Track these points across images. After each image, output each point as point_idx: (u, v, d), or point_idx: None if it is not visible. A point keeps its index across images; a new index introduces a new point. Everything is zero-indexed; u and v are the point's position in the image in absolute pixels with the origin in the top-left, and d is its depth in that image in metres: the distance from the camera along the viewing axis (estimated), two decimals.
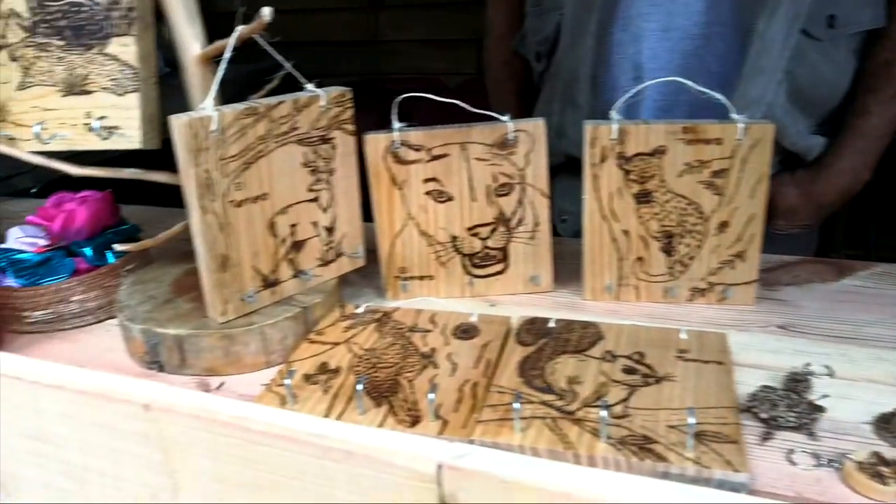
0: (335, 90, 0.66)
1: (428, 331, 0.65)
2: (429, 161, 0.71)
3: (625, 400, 0.54)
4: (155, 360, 0.64)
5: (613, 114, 0.68)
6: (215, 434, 0.40)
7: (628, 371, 0.58)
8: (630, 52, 0.84)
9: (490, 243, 0.74)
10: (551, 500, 0.32)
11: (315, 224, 0.68)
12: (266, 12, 0.55)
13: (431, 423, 0.52)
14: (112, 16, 0.60)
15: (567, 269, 0.77)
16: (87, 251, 0.74)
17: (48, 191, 1.38)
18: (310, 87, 0.65)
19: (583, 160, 0.69)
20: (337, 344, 0.63)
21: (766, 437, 0.53)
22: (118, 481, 0.46)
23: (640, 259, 0.72)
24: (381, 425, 0.52)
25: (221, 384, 0.62)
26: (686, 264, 0.72)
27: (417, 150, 0.70)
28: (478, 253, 0.74)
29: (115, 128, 0.61)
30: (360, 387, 0.53)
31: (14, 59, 0.63)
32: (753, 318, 0.70)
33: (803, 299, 0.73)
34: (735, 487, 0.46)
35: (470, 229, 0.73)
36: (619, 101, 0.68)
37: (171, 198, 0.83)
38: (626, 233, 0.72)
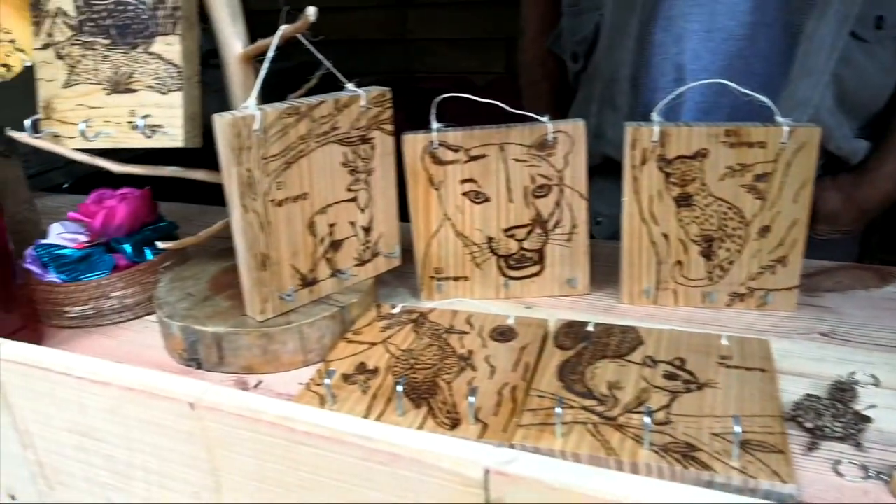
0: (375, 90, 0.66)
1: (465, 332, 0.65)
2: (466, 161, 0.71)
3: (667, 406, 0.53)
4: (193, 357, 0.64)
5: (654, 115, 0.67)
6: (259, 434, 0.40)
7: (669, 377, 0.57)
8: (672, 53, 0.83)
9: (526, 245, 0.73)
10: None
11: (353, 224, 0.68)
12: (311, 12, 0.55)
13: (471, 426, 0.52)
14: (157, 15, 0.60)
15: (602, 271, 0.76)
16: (127, 248, 0.75)
17: (80, 186, 1.40)
18: (350, 86, 0.65)
19: (623, 162, 0.69)
20: (374, 344, 0.63)
21: (811, 448, 0.52)
22: (161, 478, 0.46)
23: (678, 263, 0.71)
24: (420, 427, 0.52)
25: (259, 382, 0.63)
26: (726, 269, 0.71)
27: (455, 150, 0.70)
28: (514, 254, 0.74)
29: (159, 126, 0.62)
30: (399, 388, 0.53)
31: (60, 58, 0.64)
32: (794, 324, 0.69)
33: (846, 306, 0.72)
34: (782, 498, 0.45)
35: (506, 230, 0.73)
36: (661, 103, 0.67)
37: (202, 195, 0.84)
38: (665, 236, 0.71)
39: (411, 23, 2.72)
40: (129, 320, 0.74)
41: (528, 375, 0.58)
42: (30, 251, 0.74)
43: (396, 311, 0.69)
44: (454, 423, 0.52)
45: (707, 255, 0.71)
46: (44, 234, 0.79)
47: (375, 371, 0.59)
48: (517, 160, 0.70)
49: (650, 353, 0.60)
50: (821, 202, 0.86)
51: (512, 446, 0.50)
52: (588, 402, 0.54)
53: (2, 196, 0.70)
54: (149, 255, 0.76)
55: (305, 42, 0.60)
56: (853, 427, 0.52)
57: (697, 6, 0.81)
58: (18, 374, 0.48)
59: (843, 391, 0.57)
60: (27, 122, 0.65)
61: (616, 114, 0.87)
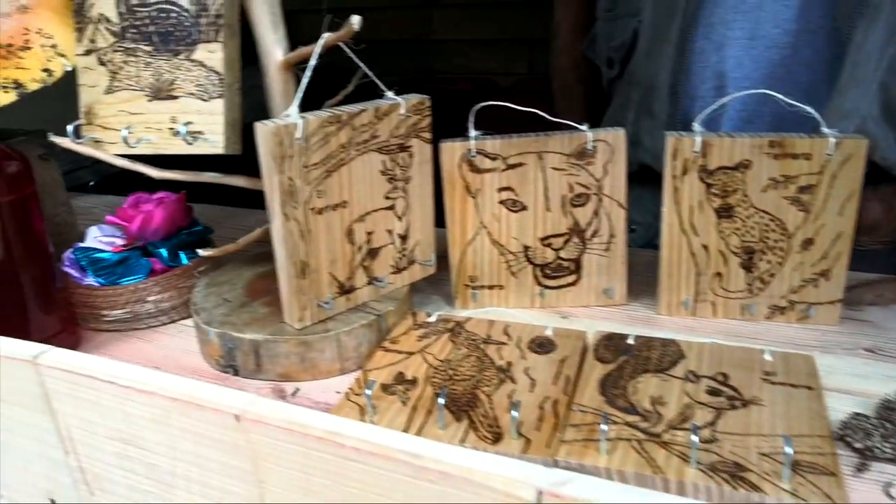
0: (414, 98, 0.66)
1: (503, 343, 0.64)
2: (504, 170, 0.70)
3: (712, 423, 0.52)
4: (230, 363, 0.64)
5: (696, 126, 0.66)
6: (307, 448, 0.40)
7: (713, 392, 0.56)
8: (712, 60, 0.82)
9: (563, 254, 0.72)
10: None
11: (390, 231, 0.68)
12: (355, 21, 0.54)
13: (514, 440, 0.51)
14: (200, 23, 0.60)
15: (638, 280, 0.75)
16: (163, 252, 0.75)
17: (105, 185, 1.41)
18: (389, 94, 0.65)
19: (663, 172, 0.68)
20: (411, 353, 0.63)
21: (860, 469, 0.51)
22: (204, 488, 0.46)
23: (718, 274, 0.70)
24: (462, 441, 0.51)
25: (297, 390, 0.62)
26: (766, 281, 0.70)
27: (493, 158, 0.70)
28: (550, 263, 0.73)
29: (200, 133, 0.62)
30: (441, 401, 0.53)
31: (102, 64, 0.64)
32: (837, 339, 0.68)
33: (890, 321, 0.70)
34: None
35: (543, 239, 0.72)
36: (703, 113, 0.66)
37: (229, 197, 0.84)
38: (705, 247, 0.70)
39: (435, 24, 2.72)
40: (164, 324, 0.74)
41: (569, 389, 0.57)
42: (68, 254, 0.75)
43: (432, 319, 0.69)
44: (496, 438, 0.51)
45: (747, 267, 0.70)
46: (81, 237, 0.79)
47: (414, 381, 0.59)
48: (555, 169, 0.70)
49: (692, 368, 0.59)
50: (862, 212, 0.84)
51: (556, 462, 0.49)
52: (631, 418, 0.53)
53: (41, 198, 0.71)
54: (184, 259, 0.76)
55: (347, 50, 0.59)
56: None
57: (740, 13, 0.79)
58: (63, 380, 0.48)
59: (891, 410, 0.56)
60: (69, 128, 0.65)
61: (654, 121, 0.86)
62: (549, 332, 0.65)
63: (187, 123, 0.62)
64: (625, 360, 0.61)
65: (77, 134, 0.66)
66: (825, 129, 0.64)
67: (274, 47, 0.63)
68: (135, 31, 0.63)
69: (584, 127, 0.68)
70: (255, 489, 0.44)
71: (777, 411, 0.54)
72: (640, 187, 0.83)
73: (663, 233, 0.70)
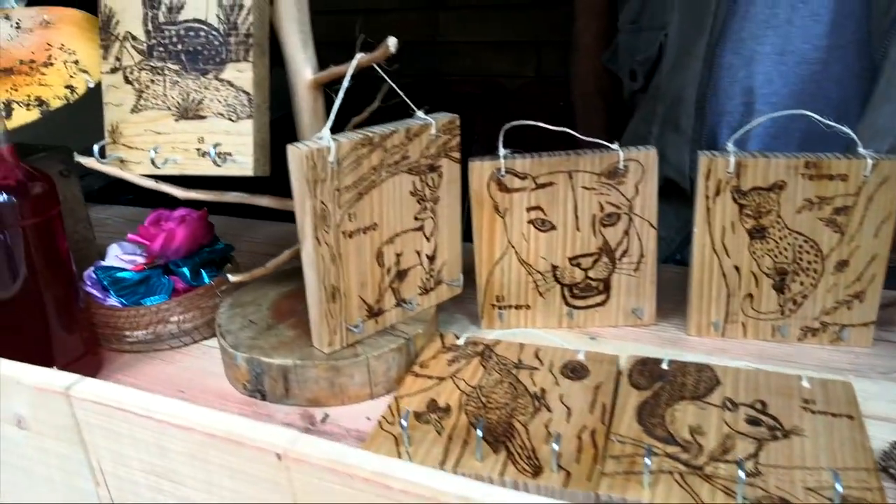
0: (444, 116, 0.65)
1: (535, 368, 0.63)
2: (533, 189, 0.69)
3: (754, 455, 0.51)
4: (258, 388, 0.63)
5: (730, 146, 0.65)
6: (353, 489, 0.39)
7: (752, 422, 0.55)
8: (741, 76, 0.80)
9: (592, 274, 0.71)
10: None
11: (418, 253, 0.67)
12: (391, 43, 0.53)
13: (554, 473, 0.50)
14: (230, 42, 0.59)
15: (665, 298, 0.74)
16: (185, 271, 0.74)
17: (108, 191, 1.40)
18: (420, 114, 0.64)
19: (695, 192, 0.67)
20: (442, 379, 0.62)
21: None
22: None
23: (749, 296, 0.69)
24: (502, 474, 0.50)
25: (326, 416, 0.61)
26: (798, 303, 0.69)
27: (523, 178, 0.69)
28: (578, 283, 0.72)
29: (228, 154, 0.61)
30: (479, 433, 0.52)
31: (128, 82, 0.63)
32: (871, 361, 0.67)
33: None
34: None
35: (572, 259, 0.71)
36: (736, 133, 0.65)
37: (245, 208, 0.82)
38: (736, 268, 0.69)
39: (443, 25, 2.70)
40: (187, 345, 0.73)
41: (605, 418, 0.56)
42: (89, 273, 0.74)
43: (461, 342, 0.68)
44: (536, 471, 0.50)
45: (780, 288, 0.69)
46: (100, 252, 0.78)
47: (447, 409, 0.58)
48: (586, 188, 0.69)
49: (729, 395, 0.58)
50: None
51: (598, 497, 0.48)
52: (671, 449, 0.52)
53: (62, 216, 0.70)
54: (206, 278, 0.75)
55: (380, 71, 0.58)
56: None
57: (770, 28, 0.78)
58: (95, 412, 0.47)
59: None
60: (95, 147, 0.64)
61: (679, 136, 0.85)
62: (580, 357, 0.64)
63: (216, 145, 0.60)
64: (660, 386, 0.60)
65: (102, 153, 0.65)
66: (861, 150, 0.63)
67: (303, 66, 0.62)
68: (162, 49, 0.61)
69: (615, 146, 0.67)
70: None
71: (820, 443, 0.53)
72: (663, 202, 0.82)
73: (694, 253, 0.69)
